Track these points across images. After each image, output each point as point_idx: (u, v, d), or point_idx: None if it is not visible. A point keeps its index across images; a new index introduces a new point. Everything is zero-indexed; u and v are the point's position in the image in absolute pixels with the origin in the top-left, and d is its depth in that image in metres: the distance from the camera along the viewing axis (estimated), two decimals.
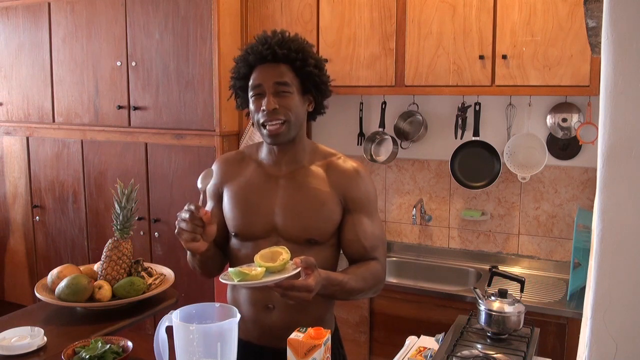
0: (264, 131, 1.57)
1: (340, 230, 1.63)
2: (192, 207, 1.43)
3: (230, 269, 1.40)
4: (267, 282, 1.34)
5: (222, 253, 1.71)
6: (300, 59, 1.55)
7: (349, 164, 1.65)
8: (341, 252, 1.69)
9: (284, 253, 1.41)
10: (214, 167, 1.73)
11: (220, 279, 1.41)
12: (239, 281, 1.36)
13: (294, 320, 1.59)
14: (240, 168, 1.68)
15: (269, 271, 1.38)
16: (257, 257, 1.41)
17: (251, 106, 1.59)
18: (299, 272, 1.37)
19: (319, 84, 1.60)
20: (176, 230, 1.46)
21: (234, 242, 1.68)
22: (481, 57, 2.54)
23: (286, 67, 1.55)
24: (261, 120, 1.55)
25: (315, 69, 1.58)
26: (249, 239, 1.62)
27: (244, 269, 1.38)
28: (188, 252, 1.60)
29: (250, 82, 1.57)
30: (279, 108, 1.53)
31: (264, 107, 1.53)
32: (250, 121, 2.99)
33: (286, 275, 1.35)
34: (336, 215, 1.61)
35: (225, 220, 1.68)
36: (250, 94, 1.58)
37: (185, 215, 1.44)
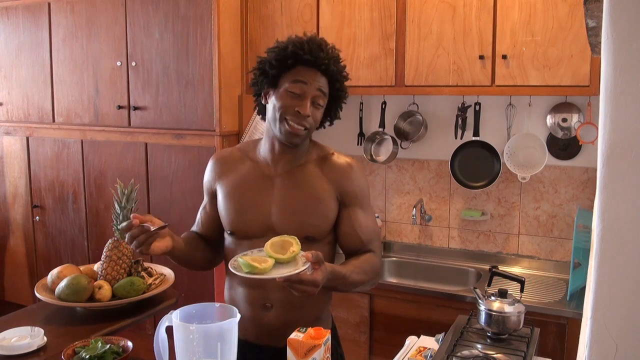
0: (285, 127, 1.56)
1: (336, 224, 1.65)
2: (124, 225, 1.48)
3: (239, 259, 1.40)
4: (274, 277, 1.34)
5: (208, 247, 1.73)
6: (339, 81, 1.61)
7: (343, 159, 1.68)
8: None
9: (294, 244, 1.41)
10: (209, 164, 1.75)
11: (229, 267, 1.42)
12: (247, 272, 1.36)
13: (291, 318, 1.60)
14: (236, 165, 1.69)
15: (277, 262, 1.38)
16: (267, 246, 1.41)
17: (281, 99, 1.56)
18: (307, 267, 1.37)
19: (335, 109, 1.67)
20: (139, 250, 1.51)
21: (229, 240, 1.68)
22: (481, 57, 2.54)
23: (327, 81, 1.59)
24: (289, 120, 1.55)
25: (342, 92, 1.65)
26: (244, 237, 1.63)
27: (254, 259, 1.38)
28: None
29: (294, 76, 1.56)
30: (310, 117, 1.56)
31: (300, 110, 1.54)
32: (252, 120, 2.99)
33: (296, 272, 1.35)
34: (332, 212, 1.62)
35: (217, 222, 1.70)
36: (289, 86, 1.55)
37: (129, 238, 1.49)
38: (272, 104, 1.59)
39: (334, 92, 1.62)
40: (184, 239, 1.66)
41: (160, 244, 1.52)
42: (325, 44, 1.60)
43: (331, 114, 1.67)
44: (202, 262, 1.73)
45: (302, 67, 1.56)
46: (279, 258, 1.38)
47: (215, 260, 1.78)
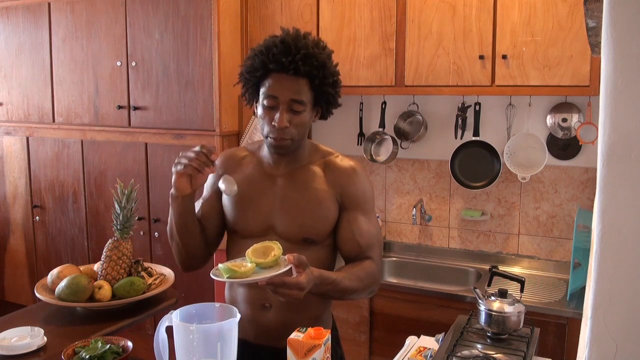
0: (269, 141, 1.56)
1: (336, 228, 1.63)
2: (204, 150, 1.47)
3: (220, 265, 1.39)
4: (256, 280, 1.33)
5: (204, 239, 1.66)
6: (320, 77, 1.52)
7: (347, 162, 1.66)
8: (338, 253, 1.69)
9: (275, 248, 1.40)
10: (218, 160, 1.71)
11: (210, 274, 1.40)
12: (228, 277, 1.35)
13: (290, 319, 1.59)
14: (242, 165, 1.68)
15: (260, 267, 1.37)
16: (248, 252, 1.40)
17: (260, 112, 1.56)
18: (290, 268, 1.36)
19: (331, 100, 1.60)
20: (178, 166, 1.48)
21: (231, 238, 1.68)
22: (481, 57, 2.54)
23: (304, 81, 1.52)
24: (269, 134, 1.55)
25: (332, 87, 1.56)
26: (246, 236, 1.62)
27: (235, 264, 1.37)
28: (170, 217, 1.60)
29: (265, 89, 1.53)
30: (290, 126, 1.52)
31: (276, 123, 1.51)
32: (252, 120, 2.99)
33: (276, 273, 1.34)
34: (333, 214, 1.61)
35: (217, 214, 1.67)
36: (263, 100, 1.54)
37: (191, 154, 1.48)
38: (258, 114, 1.59)
39: (316, 88, 1.54)
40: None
41: (186, 182, 1.50)
42: (297, 41, 1.51)
43: (324, 109, 1.61)
44: (196, 246, 1.65)
45: (274, 73, 1.52)
46: (260, 262, 1.37)
47: (202, 256, 1.69)
